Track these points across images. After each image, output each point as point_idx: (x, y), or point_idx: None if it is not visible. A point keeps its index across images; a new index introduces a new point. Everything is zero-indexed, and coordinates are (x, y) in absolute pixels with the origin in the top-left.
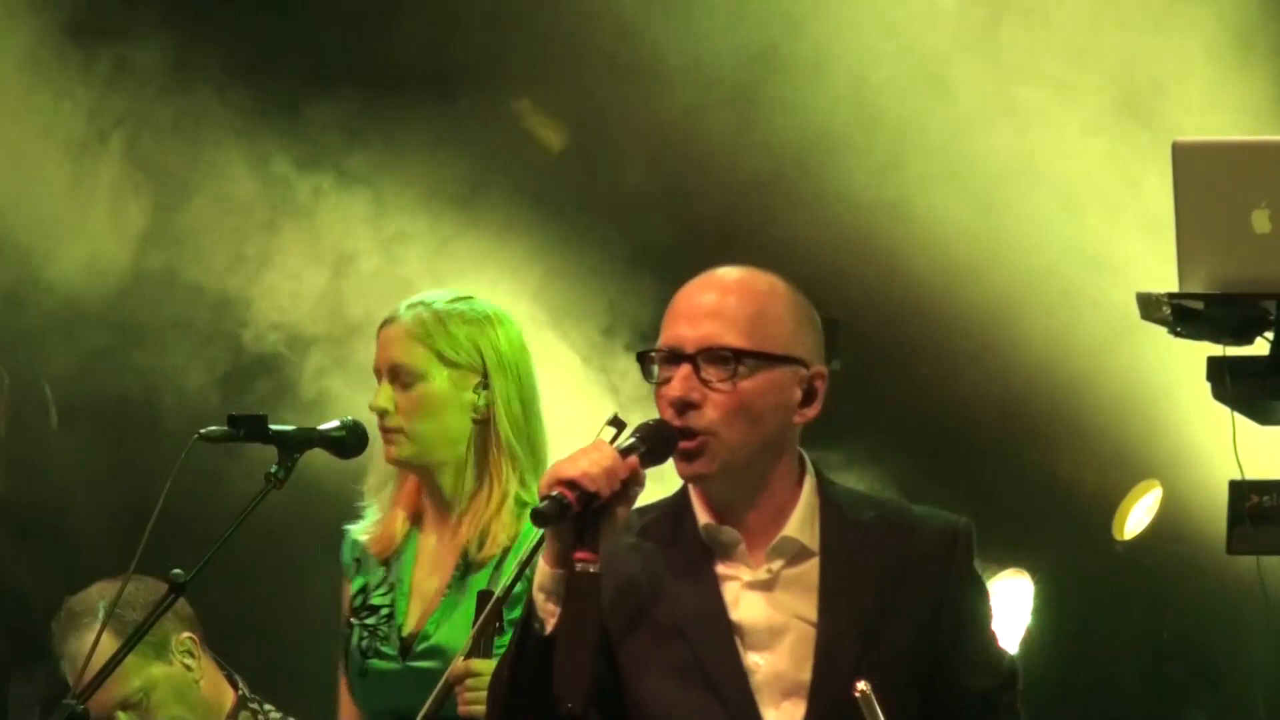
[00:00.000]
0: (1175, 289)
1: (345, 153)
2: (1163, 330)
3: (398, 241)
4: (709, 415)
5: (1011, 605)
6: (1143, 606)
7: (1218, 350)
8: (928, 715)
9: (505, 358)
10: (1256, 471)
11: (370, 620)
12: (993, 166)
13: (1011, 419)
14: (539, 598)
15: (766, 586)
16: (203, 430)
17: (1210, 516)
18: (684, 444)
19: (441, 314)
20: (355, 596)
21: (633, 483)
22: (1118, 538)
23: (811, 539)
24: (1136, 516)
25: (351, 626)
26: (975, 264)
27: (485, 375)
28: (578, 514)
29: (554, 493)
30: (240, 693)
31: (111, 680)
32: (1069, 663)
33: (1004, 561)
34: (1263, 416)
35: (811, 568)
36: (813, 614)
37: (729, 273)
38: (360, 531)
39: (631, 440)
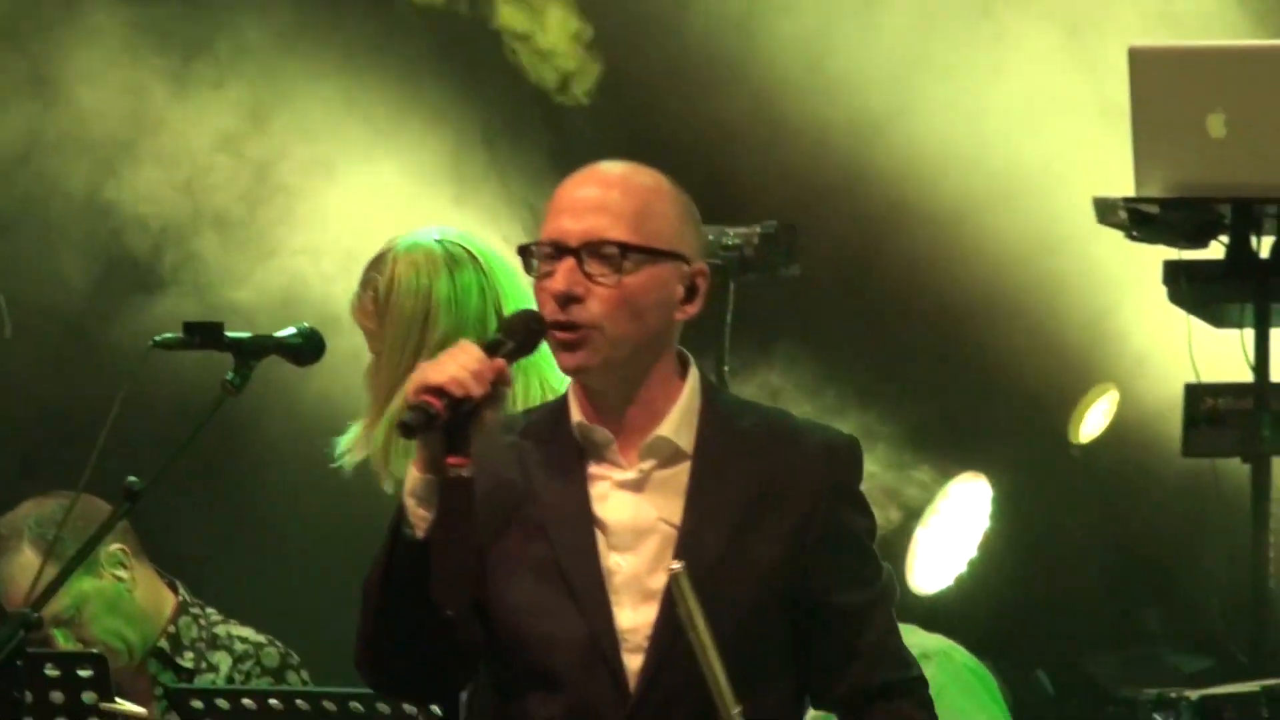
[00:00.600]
0: (1131, 193)
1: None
2: (1119, 234)
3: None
4: (592, 309)
5: (969, 509)
6: (1099, 510)
7: (1174, 254)
8: (798, 629)
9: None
10: (1212, 375)
11: None
12: (952, 73)
13: (968, 324)
14: (410, 503)
15: (636, 487)
16: (157, 337)
17: (1166, 420)
18: (564, 335)
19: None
20: None
21: (500, 382)
22: (1074, 441)
23: (686, 441)
24: (1092, 420)
25: None
26: (933, 171)
27: None
28: (446, 421)
29: (420, 401)
30: (181, 598)
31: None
32: (1026, 566)
33: (962, 465)
34: (1218, 320)
35: (683, 470)
36: (678, 517)
37: (612, 167)
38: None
39: (497, 336)
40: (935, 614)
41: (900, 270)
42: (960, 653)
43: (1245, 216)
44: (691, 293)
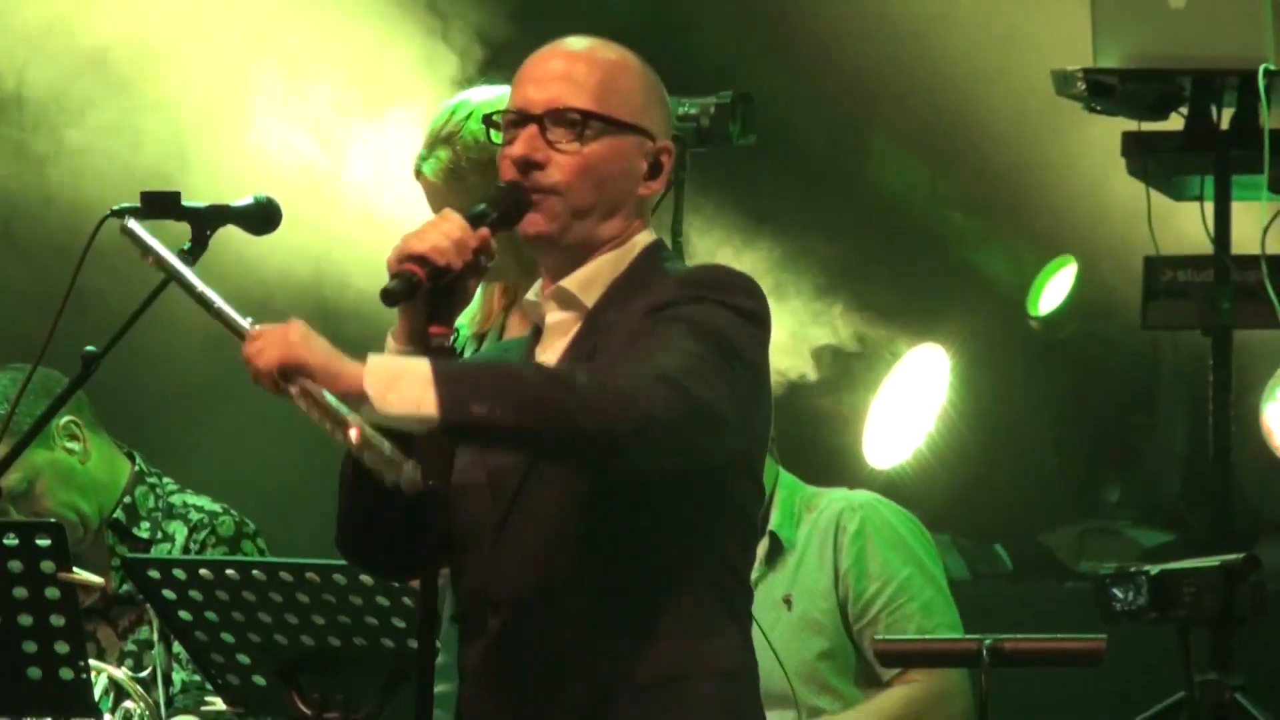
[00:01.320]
0: (1090, 65)
1: None
2: (1078, 106)
3: None
4: (554, 176)
5: (927, 379)
6: (1058, 383)
7: (1133, 125)
8: None
9: None
10: (1171, 247)
11: None
12: None
13: (928, 196)
14: None
15: (537, 339)
16: (115, 207)
17: (1126, 292)
18: (531, 197)
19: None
20: None
21: (483, 252)
22: (1032, 314)
23: (589, 297)
24: (1051, 293)
25: None
26: (892, 41)
27: None
28: (429, 290)
29: (403, 269)
30: (137, 468)
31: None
32: (985, 439)
33: (920, 336)
34: (1177, 192)
35: (573, 320)
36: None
37: (578, 41)
38: (463, 317)
39: (481, 207)
40: (893, 487)
41: (860, 143)
42: (886, 505)
43: (1205, 88)
44: (655, 169)
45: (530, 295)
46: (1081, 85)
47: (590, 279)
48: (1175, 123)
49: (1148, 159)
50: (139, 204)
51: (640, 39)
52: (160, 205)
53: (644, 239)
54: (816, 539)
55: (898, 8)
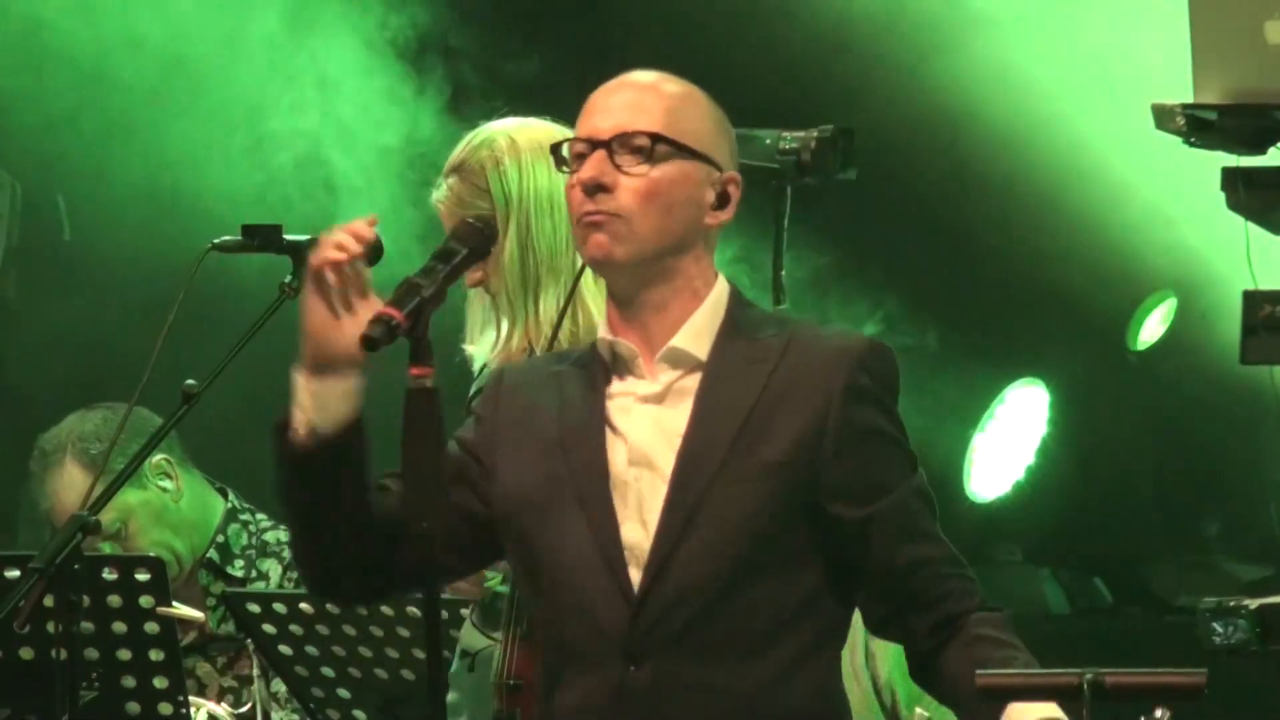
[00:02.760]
0: (1190, 99)
1: None
2: (1178, 141)
3: None
4: (621, 199)
5: (1027, 415)
6: (1157, 417)
7: (1232, 160)
8: (823, 535)
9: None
10: (1270, 281)
11: None
12: None
13: (1028, 232)
14: (297, 409)
15: (658, 399)
16: (216, 240)
17: (1224, 327)
18: (591, 218)
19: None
20: None
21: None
22: (1132, 348)
23: (703, 352)
24: (1150, 326)
25: None
26: (991, 77)
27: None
28: (408, 331)
29: (381, 314)
30: (230, 505)
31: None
32: (1083, 473)
33: (1020, 372)
34: (1276, 226)
35: (686, 374)
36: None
37: (644, 75)
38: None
39: (450, 244)
40: (992, 521)
41: (959, 177)
42: None
43: None
44: (723, 200)
45: (603, 333)
46: (1181, 120)
47: (697, 333)
48: (1274, 157)
49: (1246, 193)
50: (239, 237)
51: (728, 72)
52: (261, 238)
53: (724, 286)
54: None
55: (996, 48)
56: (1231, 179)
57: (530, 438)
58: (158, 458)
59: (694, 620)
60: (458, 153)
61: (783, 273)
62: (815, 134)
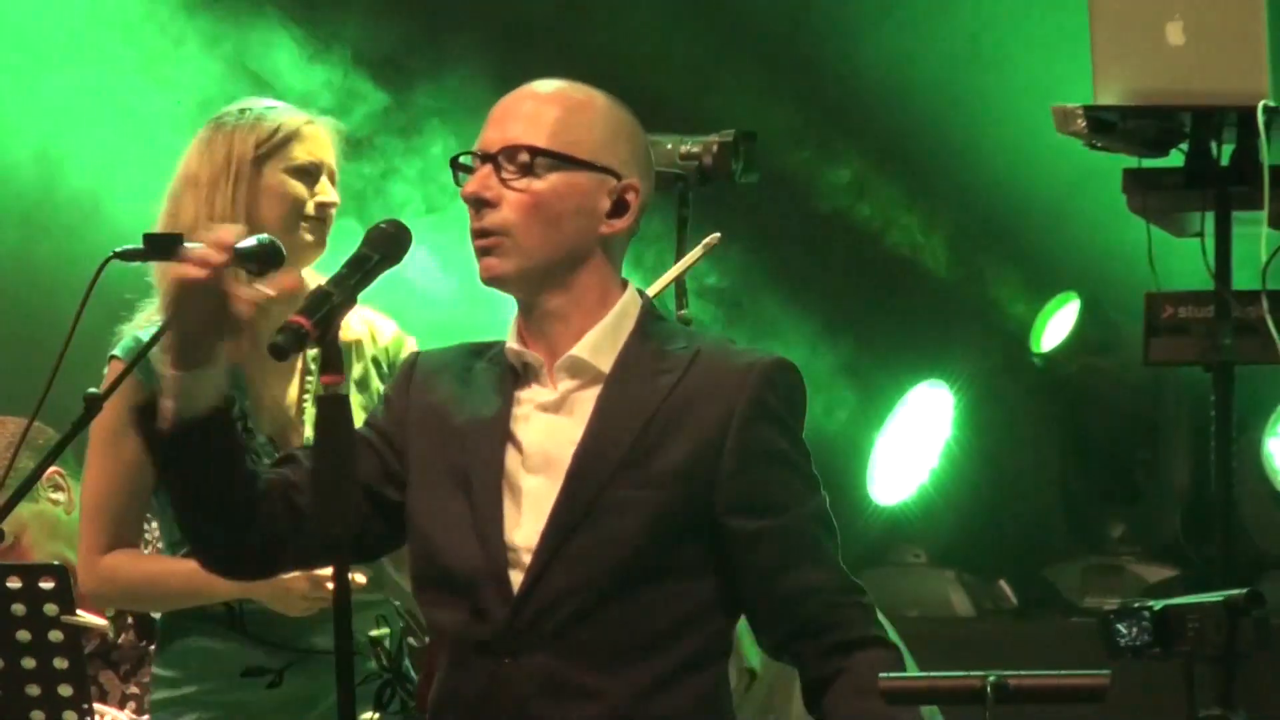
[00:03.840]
0: (1091, 102)
1: None
2: (1079, 143)
3: None
4: (504, 214)
5: (931, 417)
6: (1061, 419)
7: (1133, 162)
8: (717, 551)
9: None
10: (1172, 283)
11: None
12: None
13: (931, 234)
14: (164, 399)
15: (554, 408)
16: (118, 249)
17: (1128, 328)
18: (478, 242)
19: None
20: None
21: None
22: (1035, 350)
23: (606, 363)
24: (1054, 329)
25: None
26: (891, 77)
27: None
28: (318, 338)
29: (291, 323)
30: None
31: None
32: (988, 476)
33: (923, 373)
34: (1178, 228)
35: (587, 385)
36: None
37: (545, 83)
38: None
39: (363, 250)
40: (897, 524)
41: (858, 180)
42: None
43: (1205, 124)
44: (620, 207)
45: (511, 341)
46: (1082, 122)
47: (599, 344)
48: (1176, 159)
49: (1148, 196)
50: (140, 245)
51: (641, 79)
52: (162, 247)
53: (633, 298)
54: None
55: (897, 47)
56: (1133, 181)
57: (435, 430)
58: (50, 470)
59: (571, 621)
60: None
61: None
62: (717, 139)
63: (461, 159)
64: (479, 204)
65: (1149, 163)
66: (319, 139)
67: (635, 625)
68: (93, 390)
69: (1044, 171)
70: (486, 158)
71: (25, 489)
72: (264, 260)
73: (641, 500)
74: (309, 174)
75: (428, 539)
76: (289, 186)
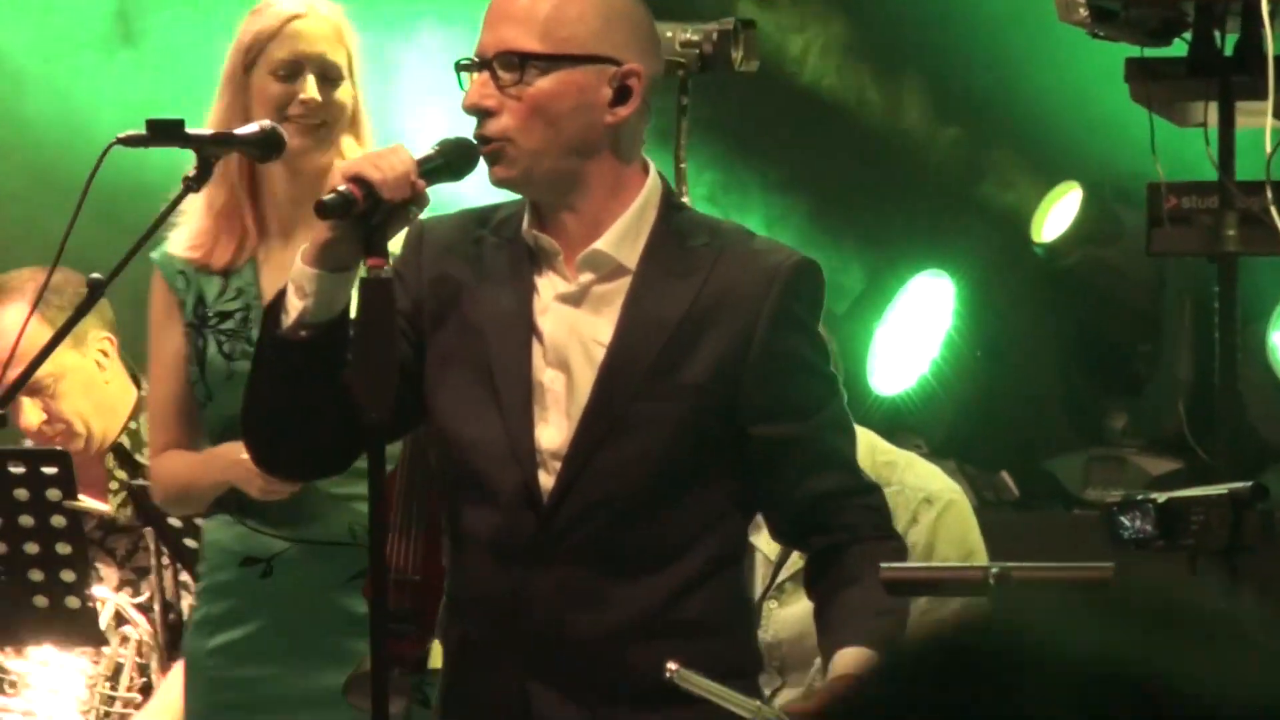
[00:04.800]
0: None
1: None
2: (1081, 31)
3: None
4: (504, 121)
5: (931, 306)
6: (1062, 310)
7: (1136, 51)
8: (739, 451)
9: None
10: (1175, 173)
11: (227, 325)
12: None
13: (931, 124)
14: (291, 294)
15: (575, 300)
16: (121, 135)
17: (1130, 218)
18: (484, 149)
19: (340, 20)
20: (192, 310)
21: (414, 202)
22: (1036, 240)
23: (629, 257)
24: (1055, 218)
25: (203, 337)
26: None
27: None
28: (361, 213)
29: (343, 187)
30: (141, 394)
31: (22, 361)
32: (989, 367)
33: (923, 263)
34: (1181, 117)
35: (622, 286)
36: (609, 334)
37: None
38: (182, 246)
39: (430, 152)
40: (898, 414)
41: (858, 69)
42: (963, 498)
43: (1208, 13)
44: (623, 94)
45: (527, 225)
46: (1084, 11)
47: (621, 238)
48: (1179, 48)
49: (1151, 85)
50: (144, 131)
51: None
52: (164, 132)
53: (654, 186)
54: None
55: None
56: (1136, 70)
57: (453, 318)
58: (103, 334)
59: (602, 531)
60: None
61: (684, 165)
62: (717, 27)
63: (462, 62)
64: (479, 113)
65: (1151, 52)
66: (304, 33)
67: (661, 532)
68: (96, 275)
69: (1046, 60)
70: (484, 63)
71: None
72: (264, 147)
73: (669, 412)
74: (292, 72)
75: (455, 439)
76: (270, 88)
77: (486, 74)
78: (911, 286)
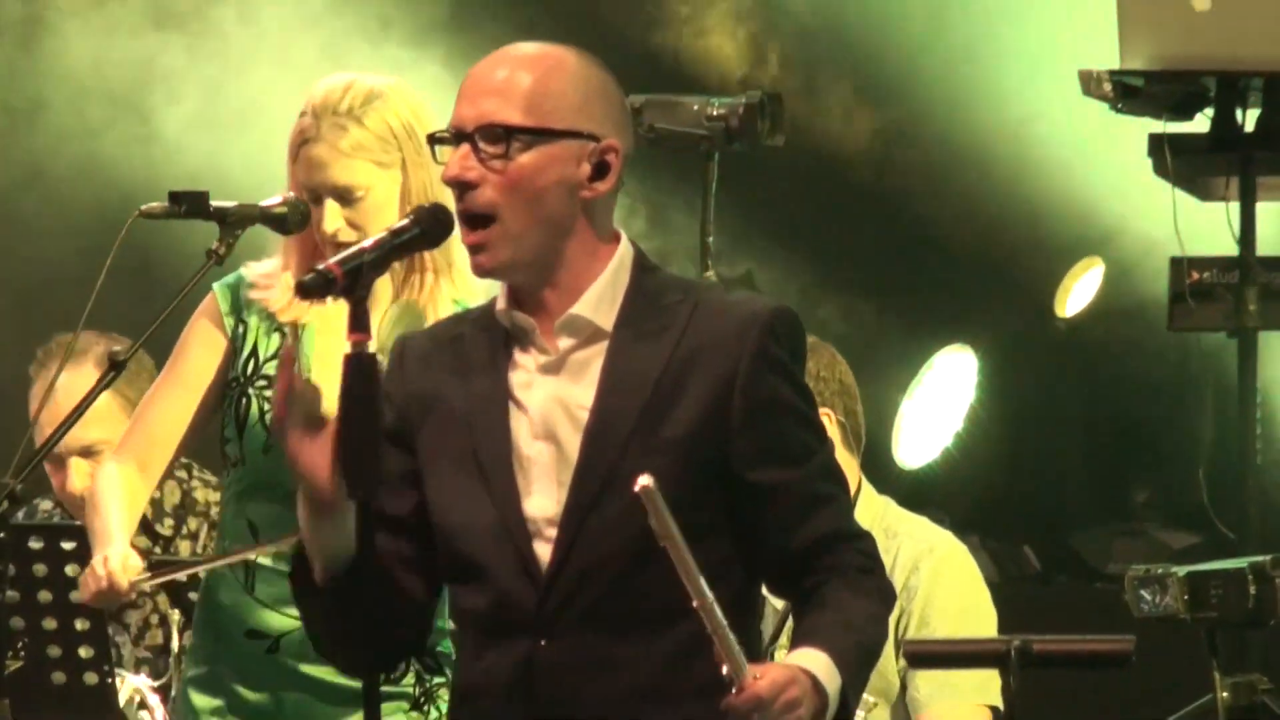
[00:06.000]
0: (1117, 66)
1: None
2: (1104, 106)
3: None
4: (487, 194)
5: (955, 381)
6: (1085, 384)
7: (1159, 126)
8: (731, 504)
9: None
10: (1197, 248)
11: (270, 391)
12: None
13: (957, 198)
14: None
15: (555, 370)
16: (143, 206)
17: (1152, 294)
18: (469, 239)
19: (359, 116)
20: (244, 360)
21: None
22: (1060, 315)
23: (605, 319)
24: (1078, 293)
25: (248, 396)
26: (917, 43)
27: (402, 156)
28: (343, 289)
29: (320, 266)
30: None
31: (86, 422)
32: (1012, 441)
33: (948, 338)
34: (1202, 192)
35: (601, 350)
36: (592, 398)
37: (517, 48)
38: (257, 272)
39: (405, 222)
40: (921, 488)
41: (884, 145)
42: (964, 552)
43: (1230, 89)
44: (602, 169)
45: (501, 304)
46: (1108, 86)
47: (598, 302)
48: (1201, 124)
49: (1173, 160)
50: (167, 203)
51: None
52: (188, 204)
53: (626, 250)
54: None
55: (923, 11)
56: (1158, 145)
57: (437, 416)
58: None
59: (603, 595)
60: (347, 98)
61: (710, 239)
62: (744, 100)
63: (437, 134)
64: (461, 186)
65: (1174, 127)
66: (312, 160)
67: (662, 592)
68: (116, 349)
69: (1069, 136)
70: (463, 136)
71: (61, 432)
72: (288, 220)
73: (658, 467)
74: (315, 198)
75: (448, 527)
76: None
77: (467, 147)
78: (936, 362)
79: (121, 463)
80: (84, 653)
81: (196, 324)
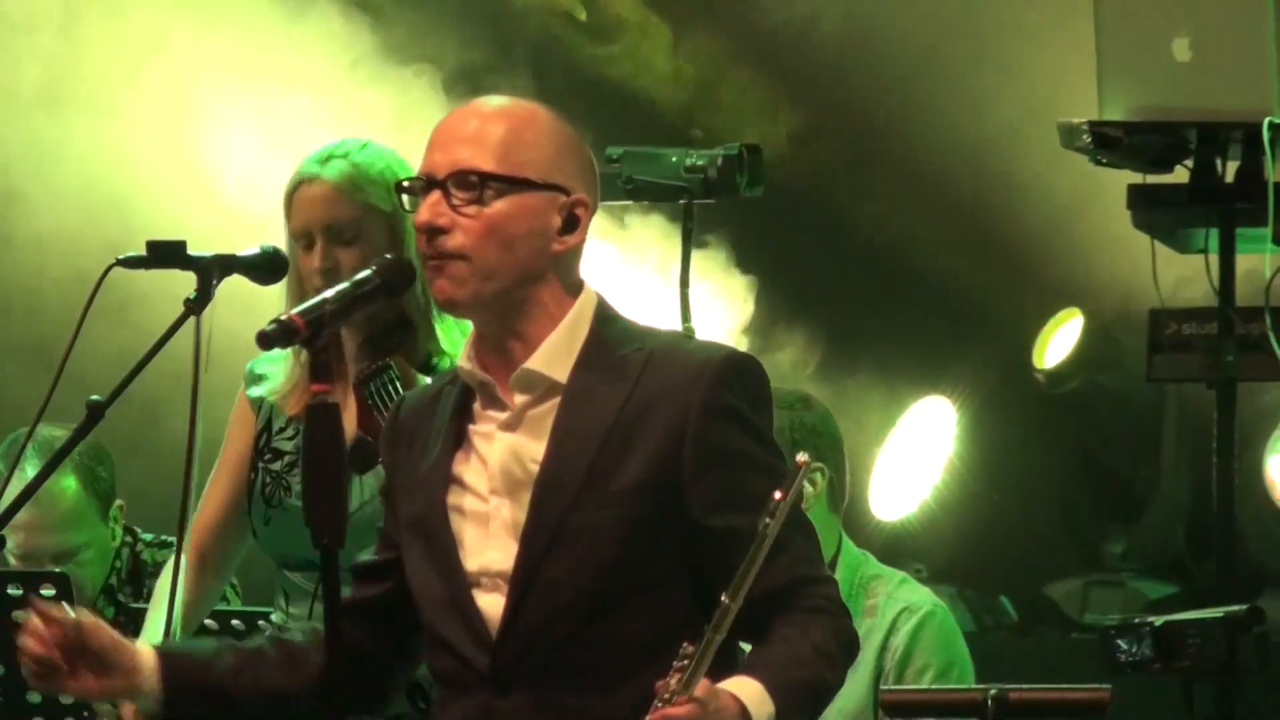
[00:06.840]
0: (1096, 117)
1: None
2: (1084, 158)
3: None
4: (458, 239)
5: (933, 432)
6: (1063, 435)
7: (1138, 178)
8: (690, 552)
9: None
10: (1176, 300)
11: (275, 465)
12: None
13: (936, 248)
14: None
15: (512, 426)
16: (120, 256)
17: (1131, 344)
18: (432, 263)
19: (360, 164)
20: (258, 435)
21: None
22: (1038, 366)
23: (560, 372)
24: (1057, 345)
25: (256, 470)
26: (897, 95)
27: (394, 202)
28: (305, 339)
29: (282, 316)
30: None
31: (64, 523)
32: (990, 490)
33: (926, 389)
34: (1182, 245)
35: (543, 398)
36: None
37: (488, 101)
38: (270, 391)
39: (366, 273)
40: (899, 539)
41: (863, 196)
42: (944, 610)
43: (1210, 141)
44: (571, 223)
45: (463, 361)
46: (1087, 138)
47: (553, 355)
48: (1180, 175)
49: (1152, 212)
50: (144, 253)
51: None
52: (165, 255)
53: (588, 299)
54: (870, 647)
55: (902, 60)
56: (1137, 197)
57: (404, 486)
58: (119, 501)
59: (556, 648)
60: (342, 146)
61: (689, 289)
62: (721, 152)
63: (405, 183)
64: (431, 231)
65: (1153, 178)
66: (303, 201)
67: (619, 643)
68: (95, 398)
69: (1048, 186)
70: (434, 183)
71: (30, 492)
72: (266, 270)
73: (607, 520)
74: (309, 242)
75: (413, 593)
76: (297, 257)
77: (438, 193)
78: (913, 412)
79: (187, 555)
80: (64, 700)
81: (236, 405)
